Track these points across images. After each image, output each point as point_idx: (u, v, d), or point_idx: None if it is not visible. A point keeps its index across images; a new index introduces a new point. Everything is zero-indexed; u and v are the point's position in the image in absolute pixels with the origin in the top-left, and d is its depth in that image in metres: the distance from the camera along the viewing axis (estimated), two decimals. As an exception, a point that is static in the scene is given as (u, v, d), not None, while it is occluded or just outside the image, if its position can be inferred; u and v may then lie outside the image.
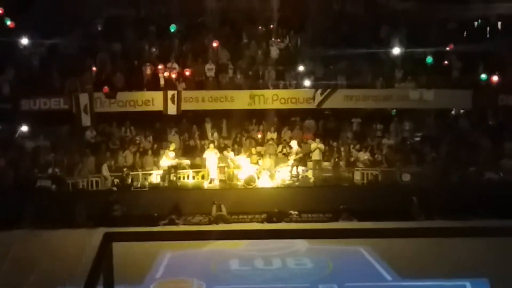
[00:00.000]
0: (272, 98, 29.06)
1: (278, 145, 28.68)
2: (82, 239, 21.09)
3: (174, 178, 26.52)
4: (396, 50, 30.24)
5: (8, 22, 27.71)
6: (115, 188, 25.87)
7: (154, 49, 30.83)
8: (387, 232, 16.83)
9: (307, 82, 29.56)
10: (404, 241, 17.84)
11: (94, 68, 29.78)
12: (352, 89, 29.40)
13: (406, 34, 30.97)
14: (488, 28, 32.26)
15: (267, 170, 26.95)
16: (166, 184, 26.45)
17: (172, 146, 27.31)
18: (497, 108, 29.47)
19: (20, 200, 23.99)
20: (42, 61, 30.13)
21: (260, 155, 27.81)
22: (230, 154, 27.56)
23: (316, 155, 27.44)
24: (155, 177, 26.89)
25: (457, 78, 29.73)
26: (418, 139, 29.42)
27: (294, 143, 27.90)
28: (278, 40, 31.53)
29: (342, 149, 28.50)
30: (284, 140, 28.76)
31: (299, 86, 29.71)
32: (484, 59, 29.66)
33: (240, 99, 29.01)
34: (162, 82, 29.39)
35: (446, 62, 30.28)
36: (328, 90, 29.00)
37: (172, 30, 30.91)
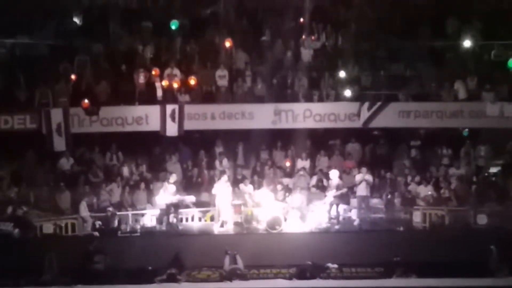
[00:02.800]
0: (303, 114, 29.20)
1: (311, 176, 28.72)
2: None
3: (175, 220, 26.60)
4: (468, 51, 30.18)
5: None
6: (96, 233, 25.95)
7: (149, 50, 31.07)
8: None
9: (349, 93, 29.63)
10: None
11: (70, 76, 30.03)
12: (409, 103, 29.48)
13: (481, 29, 30.96)
14: None
15: (297, 210, 26.96)
16: (163, 227, 26.53)
17: (172, 178, 27.40)
18: None
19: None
20: (2, 66, 30.47)
21: (288, 189, 27.86)
22: (248, 188, 27.64)
23: (362, 190, 27.43)
24: (149, 218, 26.99)
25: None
26: (498, 168, 29.29)
27: (333, 174, 27.88)
28: (312, 37, 31.67)
29: (397, 181, 28.45)
30: (320, 170, 28.79)
31: (339, 98, 29.82)
32: None
33: (261, 116, 29.17)
34: (159, 93, 29.59)
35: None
36: (378, 104, 29.05)
37: (173, 27, 31.12)
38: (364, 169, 27.79)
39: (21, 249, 24.64)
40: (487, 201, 27.17)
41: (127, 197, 27.82)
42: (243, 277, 24.18)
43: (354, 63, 30.61)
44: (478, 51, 30.62)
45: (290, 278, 24.29)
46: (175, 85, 29.30)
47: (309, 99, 29.92)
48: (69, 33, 31.44)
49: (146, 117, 28.92)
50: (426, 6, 31.98)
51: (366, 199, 27.49)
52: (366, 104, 29.03)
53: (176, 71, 29.78)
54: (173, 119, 28.51)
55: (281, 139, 30.00)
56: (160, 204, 26.87)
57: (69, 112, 28.46)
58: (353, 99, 29.51)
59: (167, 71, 29.70)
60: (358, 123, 29.16)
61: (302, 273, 24.31)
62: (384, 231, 26.31)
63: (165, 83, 29.36)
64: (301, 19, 32.03)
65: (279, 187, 27.68)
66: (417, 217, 27.05)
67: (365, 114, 29.02)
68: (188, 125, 28.86)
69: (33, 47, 30.64)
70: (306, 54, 31.19)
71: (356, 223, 27.12)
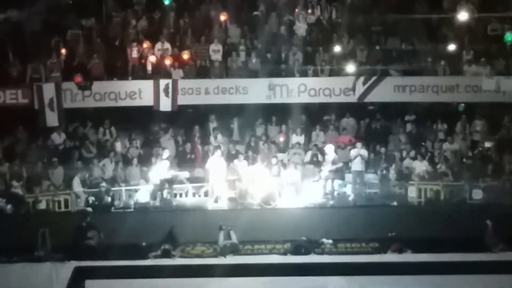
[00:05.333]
0: (298, 89, 29.23)
1: (306, 151, 28.74)
2: (47, 275, 21.31)
3: (169, 196, 26.64)
4: (464, 23, 30.07)
5: None
6: (90, 209, 25.97)
7: (142, 25, 30.95)
8: (452, 268, 16.76)
9: (345, 68, 29.60)
10: (476, 280, 17.82)
11: (62, 50, 29.97)
12: (405, 77, 29.48)
13: (477, 2, 30.85)
14: None
15: (291, 185, 26.99)
16: (157, 203, 26.56)
17: (166, 154, 27.43)
18: None
19: (-35, 225, 24.23)
20: (-6, 41, 30.41)
21: (283, 164, 27.88)
22: (242, 163, 27.66)
23: (357, 165, 27.44)
24: (143, 194, 27.01)
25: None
26: (493, 143, 29.29)
27: (328, 148, 27.87)
28: (307, 11, 31.58)
29: (392, 156, 28.49)
30: (315, 145, 28.79)
31: (334, 73, 29.79)
32: None
33: (256, 91, 29.21)
34: (149, 67, 29.54)
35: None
36: (374, 78, 29.05)
37: (166, 2, 31.04)
38: (359, 144, 27.79)
39: (13, 225, 24.67)
40: (483, 176, 27.21)
41: (121, 173, 27.83)
42: (238, 252, 24.23)
43: (349, 37, 30.56)
44: (474, 25, 30.55)
45: (284, 254, 24.30)
46: (168, 60, 29.35)
47: (303, 73, 29.91)
48: (62, 7, 31.29)
49: (140, 92, 28.96)
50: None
51: (361, 174, 27.47)
52: (361, 79, 29.08)
53: (167, 45, 29.75)
54: (166, 94, 28.54)
55: (275, 114, 30.00)
56: (154, 179, 26.89)
57: (62, 87, 28.49)
58: (349, 74, 29.50)
59: (158, 45, 29.69)
60: (353, 98, 29.25)
61: (297, 249, 24.33)
62: (379, 207, 26.33)
63: (153, 57, 29.37)
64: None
65: (273, 161, 27.67)
66: (412, 192, 27.11)
67: (360, 88, 29.08)
68: (182, 100, 28.89)
69: (25, 22, 30.46)
70: (301, 28, 31.10)
71: (351, 198, 27.11)
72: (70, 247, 23.62)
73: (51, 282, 20.58)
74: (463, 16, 29.67)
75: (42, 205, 26.23)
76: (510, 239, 23.80)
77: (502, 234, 24.07)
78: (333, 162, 27.44)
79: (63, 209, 26.47)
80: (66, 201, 26.56)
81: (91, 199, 26.38)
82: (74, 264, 22.33)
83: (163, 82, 28.56)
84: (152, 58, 29.41)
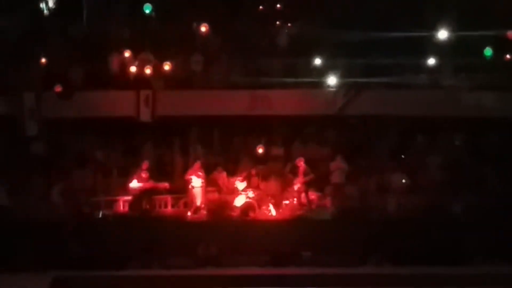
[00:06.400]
0: (279, 101, 29.34)
1: (286, 163, 28.87)
2: (26, 286, 21.32)
3: (148, 207, 26.71)
4: (445, 38, 30.34)
5: None
6: (69, 219, 25.98)
7: (123, 35, 30.99)
8: (432, 280, 16.94)
9: (326, 80, 29.78)
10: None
11: (43, 59, 29.98)
12: (386, 90, 29.70)
13: (459, 16, 31.08)
14: None
15: (271, 197, 27.13)
16: (136, 214, 26.64)
17: (146, 164, 27.51)
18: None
19: None
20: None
21: (262, 176, 28.04)
22: (222, 174, 27.78)
23: (336, 177, 27.65)
24: (122, 204, 27.08)
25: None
26: (473, 157, 29.53)
27: (299, 161, 27.95)
28: (288, 23, 31.74)
29: (372, 169, 28.69)
30: (295, 157, 28.84)
31: (315, 85, 29.94)
32: None
33: (236, 102, 29.31)
34: (131, 77, 29.54)
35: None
36: (354, 91, 29.25)
37: (147, 11, 31.10)
38: (339, 157, 27.95)
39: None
40: (463, 190, 27.41)
41: (100, 183, 27.86)
42: (217, 263, 24.34)
43: (331, 50, 30.67)
44: (456, 40, 30.76)
45: (263, 265, 24.46)
46: (148, 70, 29.36)
47: (284, 86, 29.92)
48: (42, 15, 31.29)
49: (120, 102, 28.95)
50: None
51: (341, 187, 27.66)
52: (342, 91, 29.21)
53: (150, 56, 29.81)
54: (147, 104, 28.57)
55: (256, 125, 30.07)
56: (133, 190, 26.98)
57: (42, 96, 28.46)
58: (330, 86, 29.66)
59: (141, 55, 29.74)
60: (333, 110, 29.33)
61: (276, 260, 24.50)
62: (358, 219, 26.41)
63: (135, 68, 29.39)
64: (278, 5, 32.11)
65: (253, 172, 27.82)
66: (392, 206, 27.28)
67: (341, 101, 29.19)
68: (162, 111, 28.95)
69: (5, 29, 30.46)
70: (282, 39, 31.24)
71: (330, 210, 27.27)
72: (49, 258, 23.62)
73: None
74: (443, 34, 29.91)
75: (21, 215, 26.15)
76: (489, 253, 24.04)
77: (482, 248, 24.30)
78: (305, 174, 27.56)
79: (42, 219, 26.40)
80: (45, 211, 26.53)
81: (71, 209, 26.42)
82: (53, 274, 22.49)
83: (143, 93, 28.64)
84: (133, 69, 29.43)
